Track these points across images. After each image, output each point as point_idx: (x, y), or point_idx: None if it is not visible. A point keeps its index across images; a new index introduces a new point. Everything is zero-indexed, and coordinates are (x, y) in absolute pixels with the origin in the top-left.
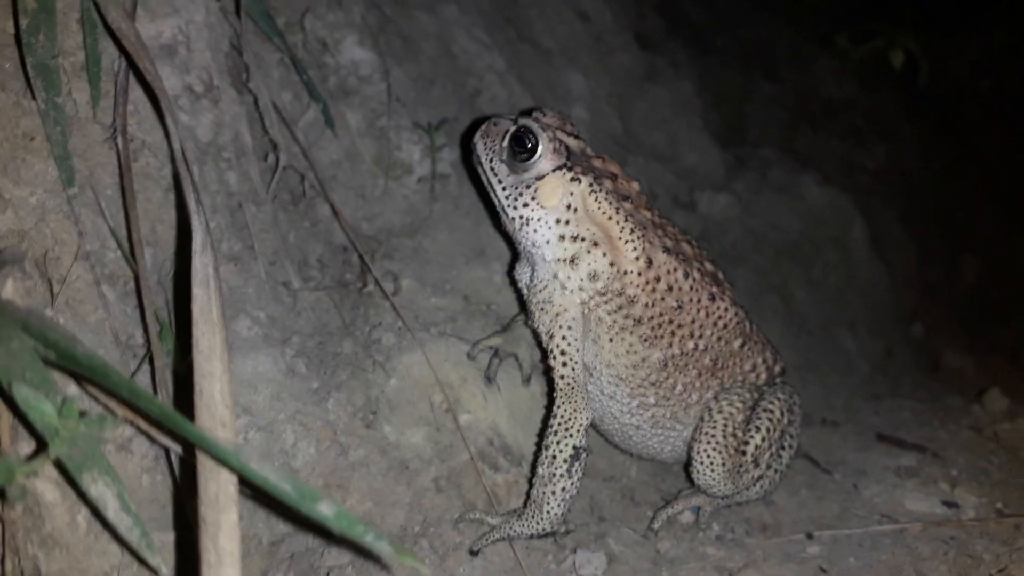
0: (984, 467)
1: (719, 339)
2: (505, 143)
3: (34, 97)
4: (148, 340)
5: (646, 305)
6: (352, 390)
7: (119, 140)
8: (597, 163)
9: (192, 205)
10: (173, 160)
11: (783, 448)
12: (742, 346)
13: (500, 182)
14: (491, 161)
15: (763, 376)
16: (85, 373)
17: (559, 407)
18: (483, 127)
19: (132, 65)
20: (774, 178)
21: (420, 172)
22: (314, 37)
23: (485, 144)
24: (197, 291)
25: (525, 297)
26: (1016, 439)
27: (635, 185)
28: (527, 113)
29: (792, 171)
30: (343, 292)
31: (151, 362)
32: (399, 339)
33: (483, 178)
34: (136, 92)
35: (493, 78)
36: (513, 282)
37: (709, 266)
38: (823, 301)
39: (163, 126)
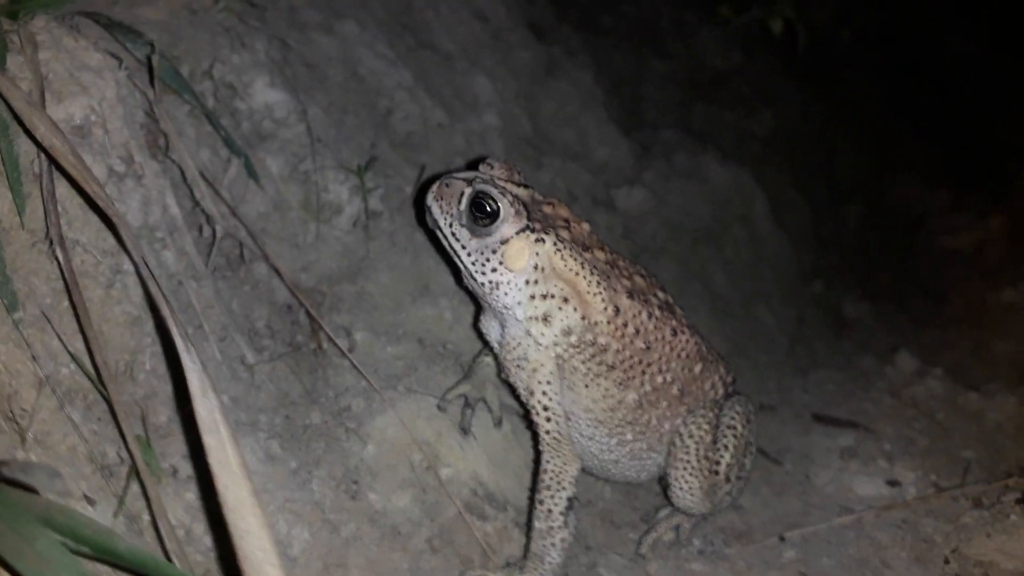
0: (911, 436)
1: (683, 368)
2: (463, 207)
3: None
4: (133, 460)
5: (617, 351)
6: (331, 464)
7: (58, 251)
8: (548, 210)
9: (180, 344)
10: (143, 284)
11: (745, 456)
12: (702, 370)
13: (464, 247)
14: (451, 226)
15: (720, 390)
16: (129, 565)
17: (548, 461)
18: (435, 188)
19: (52, 160)
20: (679, 163)
21: (350, 211)
22: (223, 83)
23: (440, 207)
24: (209, 441)
25: (496, 352)
26: (929, 401)
27: (586, 226)
28: (476, 165)
29: (693, 152)
30: (297, 356)
31: (139, 481)
32: (368, 402)
33: (444, 242)
34: (60, 188)
35: (403, 95)
36: (479, 334)
37: (661, 295)
38: (739, 279)
39: (129, 257)
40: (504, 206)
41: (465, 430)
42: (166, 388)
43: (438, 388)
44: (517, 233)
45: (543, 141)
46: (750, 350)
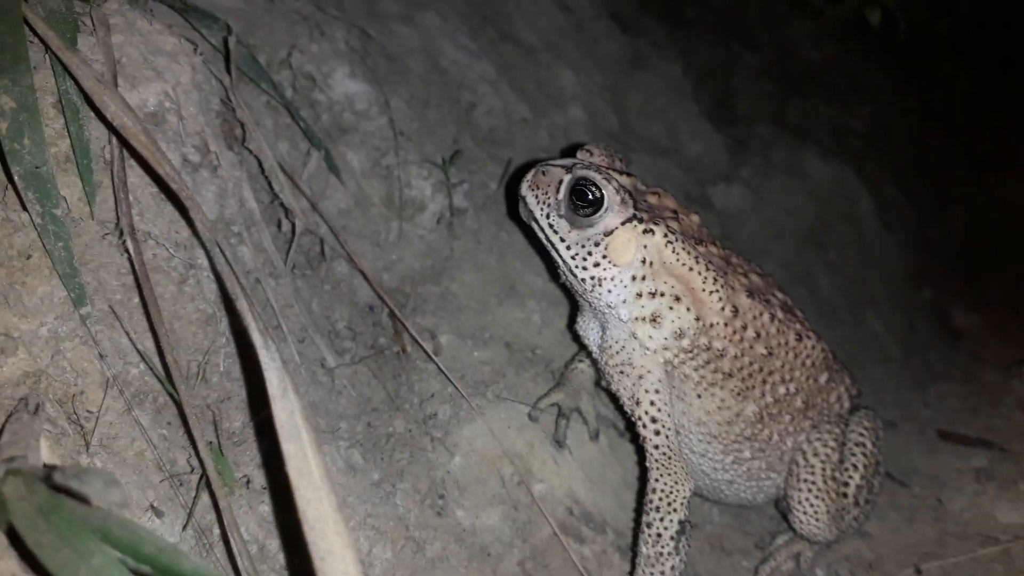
0: None
1: (808, 378)
2: (562, 196)
3: (25, 209)
4: (204, 468)
5: (735, 356)
6: (416, 476)
7: (129, 244)
8: (654, 199)
9: (258, 340)
10: (219, 279)
11: (874, 477)
12: (828, 380)
13: (563, 240)
14: (548, 217)
15: (846, 404)
16: None
17: (657, 480)
18: (530, 176)
19: (124, 145)
20: (777, 159)
21: (433, 208)
22: (301, 74)
23: (537, 197)
24: (288, 448)
25: (596, 357)
26: None
27: (695, 218)
28: (572, 152)
29: (792, 148)
30: (380, 360)
31: (210, 491)
32: (455, 410)
33: (540, 235)
34: (132, 176)
35: (486, 88)
36: (576, 336)
37: (780, 295)
38: (845, 284)
39: (204, 250)
40: (609, 193)
41: (559, 443)
42: (240, 392)
43: (529, 396)
44: (623, 223)
45: (630, 136)
46: (862, 359)
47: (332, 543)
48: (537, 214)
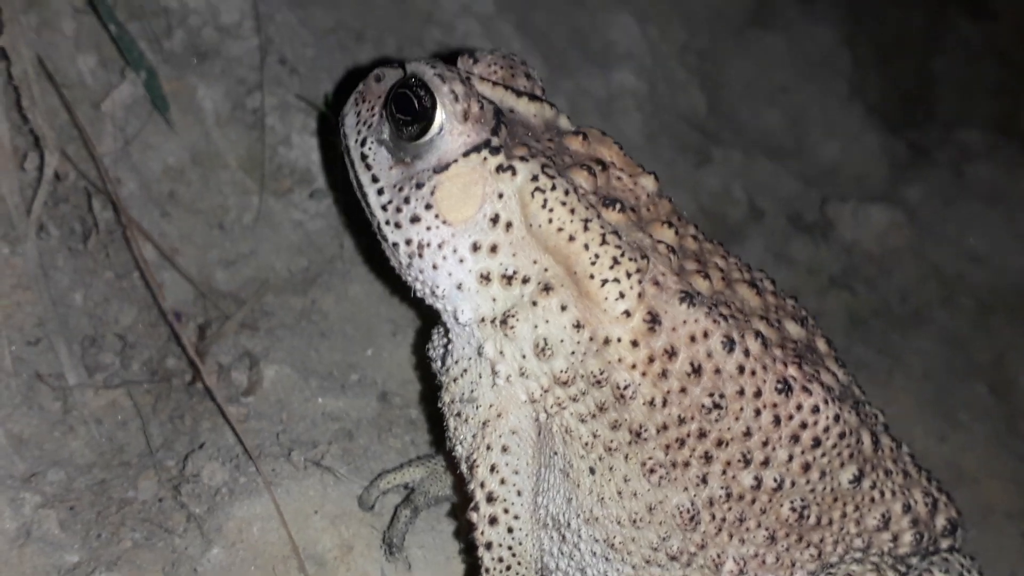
0: None
1: (806, 468)
2: (386, 109)
3: None
4: None
5: (652, 404)
6: (141, 569)
7: None
8: (575, 144)
9: None
10: None
11: None
12: (857, 480)
13: (375, 180)
14: (362, 144)
15: (907, 538)
16: None
17: None
18: (360, 86)
19: None
20: (979, 179)
21: (322, 182)
22: None
23: (359, 116)
24: None
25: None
26: None
27: (646, 182)
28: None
29: (1012, 166)
30: (157, 390)
31: None
32: (233, 475)
33: (351, 174)
34: None
35: (471, 26)
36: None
37: (794, 328)
38: None
39: None
40: (443, 99)
41: (392, 547)
42: None
43: (374, 471)
44: (465, 154)
45: (723, 122)
46: None
47: None
48: (350, 143)
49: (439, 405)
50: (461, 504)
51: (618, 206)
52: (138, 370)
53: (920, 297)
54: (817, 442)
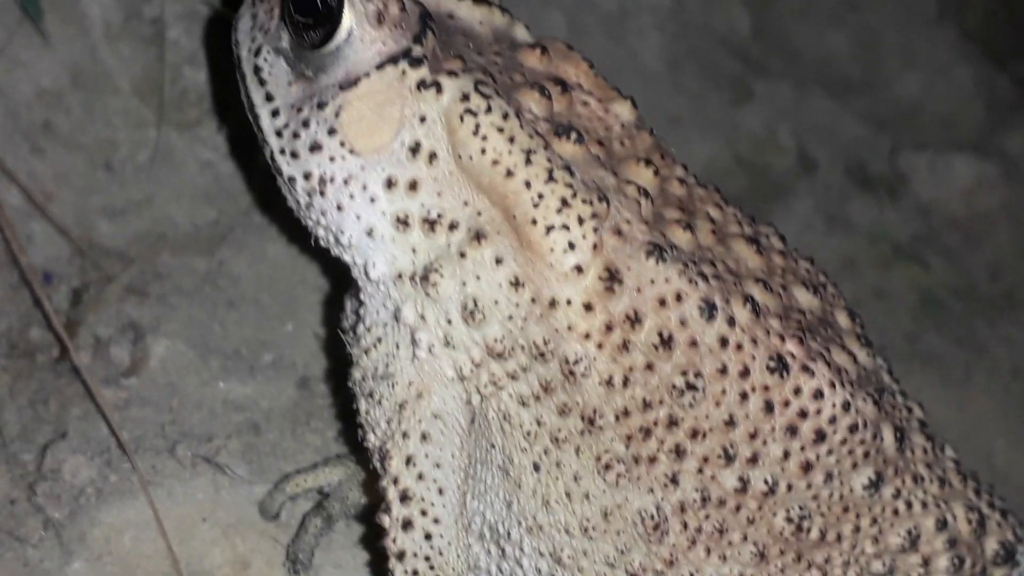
0: None
1: (806, 468)
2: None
3: None
4: None
5: (610, 383)
6: None
7: None
8: (531, 59)
9: None
10: None
11: None
12: (875, 486)
13: (269, 97)
14: (256, 54)
15: (942, 563)
16: None
17: None
18: None
19: None
20: None
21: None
22: None
23: (255, 19)
24: None
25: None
26: None
27: (620, 110)
28: None
29: None
30: (18, 367)
31: None
32: (104, 471)
33: (241, 91)
34: None
35: None
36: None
37: (804, 296)
38: None
39: None
40: None
41: (298, 563)
42: None
43: (283, 471)
44: (379, 67)
45: (770, 46)
46: None
47: None
48: (242, 52)
49: (349, 383)
50: (374, 507)
51: (574, 135)
52: None
53: (1015, 275)
54: (821, 436)
